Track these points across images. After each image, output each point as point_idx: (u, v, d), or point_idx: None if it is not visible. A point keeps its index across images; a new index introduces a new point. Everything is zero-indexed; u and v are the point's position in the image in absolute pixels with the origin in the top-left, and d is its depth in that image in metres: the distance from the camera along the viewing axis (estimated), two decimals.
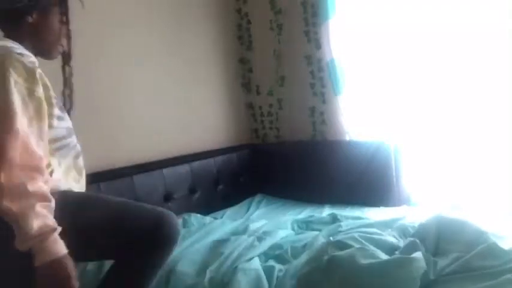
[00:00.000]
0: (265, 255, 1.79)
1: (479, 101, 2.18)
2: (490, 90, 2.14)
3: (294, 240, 1.90)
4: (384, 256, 1.45)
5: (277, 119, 3.00)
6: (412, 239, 1.54)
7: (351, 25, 2.54)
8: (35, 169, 1.20)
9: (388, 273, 1.36)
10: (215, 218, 2.42)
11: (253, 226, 2.15)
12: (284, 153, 2.86)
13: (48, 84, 1.33)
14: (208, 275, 1.65)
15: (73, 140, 1.48)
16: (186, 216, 2.37)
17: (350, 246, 1.52)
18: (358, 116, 2.60)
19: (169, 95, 2.68)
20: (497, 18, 2.07)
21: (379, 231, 1.69)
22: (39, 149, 1.24)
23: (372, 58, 2.52)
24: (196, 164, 2.65)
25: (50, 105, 1.33)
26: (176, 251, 1.59)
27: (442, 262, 1.43)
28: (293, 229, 2.11)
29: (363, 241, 1.56)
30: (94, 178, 2.23)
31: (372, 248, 1.50)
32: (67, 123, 1.44)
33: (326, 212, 2.34)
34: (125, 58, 2.46)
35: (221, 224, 2.23)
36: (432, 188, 2.39)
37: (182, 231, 2.23)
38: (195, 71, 2.81)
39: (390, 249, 1.55)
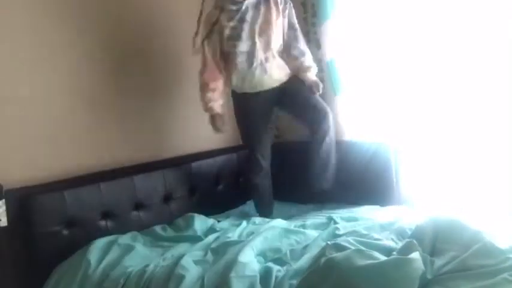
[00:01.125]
0: (265, 258, 1.79)
1: (478, 102, 2.17)
2: (489, 90, 2.14)
3: (293, 243, 1.90)
4: (381, 257, 1.45)
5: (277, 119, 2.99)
6: (409, 239, 1.54)
7: (351, 25, 2.54)
8: None
9: (386, 274, 1.35)
10: (218, 221, 2.42)
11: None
12: (284, 153, 2.86)
13: None
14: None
15: None
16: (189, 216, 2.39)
17: (348, 249, 1.52)
18: (357, 116, 2.61)
19: (169, 95, 2.70)
20: (497, 19, 2.06)
21: (377, 236, 1.68)
22: None
23: (371, 58, 2.52)
24: (196, 164, 2.65)
25: None
26: None
27: (439, 261, 1.43)
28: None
29: (360, 246, 1.55)
30: (94, 178, 2.26)
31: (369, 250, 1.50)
32: None
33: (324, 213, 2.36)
34: (126, 59, 2.48)
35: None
36: (431, 188, 2.39)
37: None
38: (196, 71, 2.82)
39: (388, 252, 1.55)
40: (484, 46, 2.12)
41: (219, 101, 2.42)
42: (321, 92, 2.38)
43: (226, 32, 2.29)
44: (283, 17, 2.36)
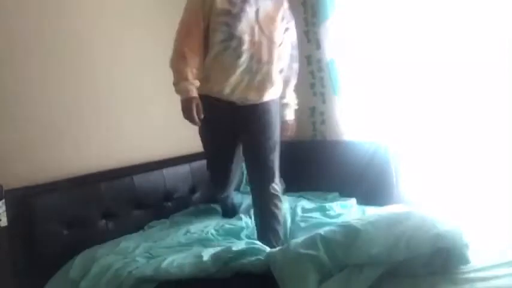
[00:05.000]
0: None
1: (477, 102, 2.17)
2: (488, 91, 2.13)
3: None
4: None
5: None
6: None
7: (351, 25, 2.54)
8: None
9: None
10: None
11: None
12: (284, 153, 2.85)
13: None
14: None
15: None
16: None
17: None
18: (357, 116, 2.61)
19: (170, 95, 2.69)
20: (496, 20, 2.06)
21: None
22: None
23: (371, 58, 2.52)
24: (196, 164, 2.65)
25: None
26: None
27: None
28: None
29: None
30: (94, 178, 2.26)
31: None
32: None
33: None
34: (129, 58, 2.50)
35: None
36: (431, 188, 2.39)
37: None
38: None
39: None
40: (484, 46, 2.12)
41: (195, 82, 1.92)
42: (293, 135, 2.28)
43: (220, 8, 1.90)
44: (289, 27, 2.13)
